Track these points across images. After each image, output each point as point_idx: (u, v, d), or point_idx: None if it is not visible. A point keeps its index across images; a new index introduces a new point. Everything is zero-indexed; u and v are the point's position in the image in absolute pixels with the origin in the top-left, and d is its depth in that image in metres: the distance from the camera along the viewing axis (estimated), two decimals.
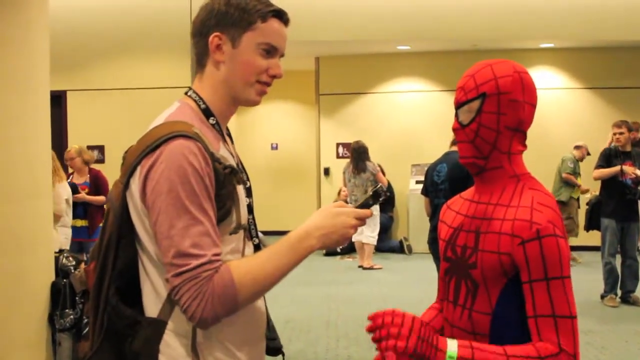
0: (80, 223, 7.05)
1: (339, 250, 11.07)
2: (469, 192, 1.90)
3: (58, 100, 9.31)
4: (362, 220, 1.63)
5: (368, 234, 9.62)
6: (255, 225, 1.73)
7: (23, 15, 3.99)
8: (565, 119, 11.35)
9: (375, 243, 9.94)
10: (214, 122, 1.67)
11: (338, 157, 12.05)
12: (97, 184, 7.22)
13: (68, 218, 6.71)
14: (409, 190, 11.26)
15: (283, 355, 1.86)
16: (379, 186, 1.72)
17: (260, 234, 1.79)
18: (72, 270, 4.13)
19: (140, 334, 1.56)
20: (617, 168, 7.15)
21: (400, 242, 11.36)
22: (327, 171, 12.18)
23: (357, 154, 9.53)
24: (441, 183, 5.30)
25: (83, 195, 7.09)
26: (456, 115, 1.80)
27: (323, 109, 12.12)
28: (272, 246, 1.57)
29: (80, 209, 7.00)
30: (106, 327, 1.61)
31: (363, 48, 11.36)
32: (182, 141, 1.50)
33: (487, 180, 1.78)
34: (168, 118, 1.60)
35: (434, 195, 5.42)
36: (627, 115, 9.31)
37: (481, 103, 1.72)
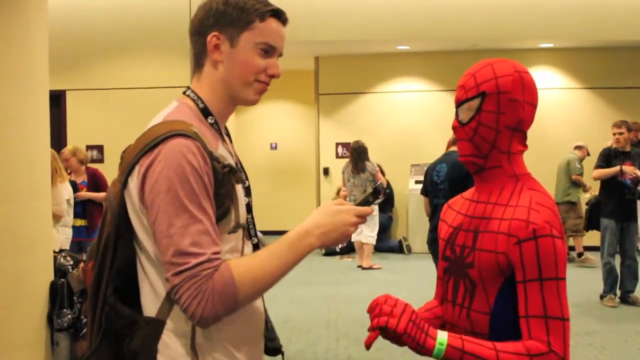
0: (79, 222, 7.03)
1: (338, 250, 11.08)
2: (469, 192, 1.90)
3: (57, 100, 9.31)
4: (362, 218, 1.62)
5: (367, 234, 9.61)
6: (254, 224, 1.73)
7: (22, 15, 3.99)
8: (564, 119, 11.35)
9: (374, 243, 9.94)
10: (213, 121, 1.67)
11: (337, 157, 12.04)
12: (96, 183, 7.21)
13: (69, 218, 6.70)
14: (409, 190, 11.26)
15: (282, 355, 1.86)
16: (378, 183, 1.72)
17: (259, 234, 1.79)
18: (70, 270, 4.12)
19: (138, 334, 1.56)
20: (616, 168, 7.14)
21: (400, 242, 11.36)
22: (326, 171, 12.18)
23: (357, 154, 9.53)
24: (441, 183, 5.30)
25: (84, 193, 7.07)
26: (456, 113, 1.80)
27: (322, 108, 12.12)
28: (272, 245, 1.56)
29: (79, 208, 6.98)
30: (104, 326, 1.61)
31: (363, 48, 11.36)
32: (180, 140, 1.49)
33: (486, 179, 1.78)
34: (166, 117, 1.60)
35: (433, 195, 5.42)
36: (626, 116, 9.31)
37: (481, 102, 1.72)
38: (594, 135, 10.64)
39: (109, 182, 1.71)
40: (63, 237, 6.55)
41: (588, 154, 9.82)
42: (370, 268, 9.79)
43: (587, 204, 8.05)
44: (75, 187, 6.94)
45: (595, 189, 8.14)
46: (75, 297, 3.98)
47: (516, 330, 1.64)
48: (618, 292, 7.42)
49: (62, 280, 4.09)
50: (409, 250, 11.14)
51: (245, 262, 1.54)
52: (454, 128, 1.80)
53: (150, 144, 1.51)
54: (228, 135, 1.78)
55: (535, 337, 1.59)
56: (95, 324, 1.63)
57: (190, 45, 1.70)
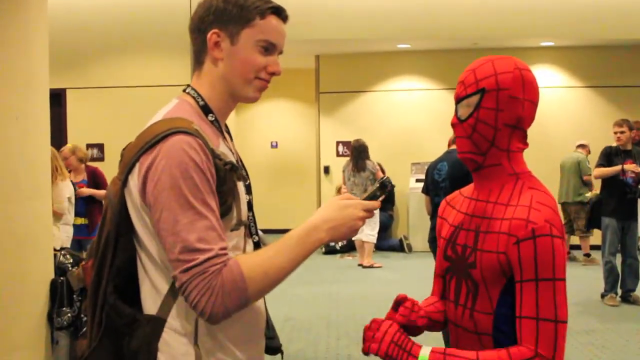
0: (80, 221, 7.01)
1: (338, 248, 11.08)
2: (468, 189, 1.88)
3: (57, 99, 9.29)
4: (370, 212, 1.62)
5: (368, 233, 9.60)
6: (255, 222, 1.73)
7: (22, 13, 3.98)
8: (565, 118, 11.34)
9: (375, 241, 9.93)
10: (213, 118, 1.66)
11: (338, 155, 12.04)
12: (95, 181, 7.20)
13: (70, 216, 6.69)
14: (409, 189, 11.25)
15: (282, 354, 1.85)
16: (385, 177, 1.72)
17: (259, 232, 1.78)
18: (70, 268, 4.12)
19: (138, 332, 1.55)
20: (618, 167, 7.13)
21: (400, 240, 11.35)
22: (327, 169, 12.17)
23: (357, 153, 9.53)
24: (442, 181, 5.29)
25: (85, 189, 7.06)
26: (456, 109, 1.78)
27: (323, 107, 12.11)
28: (280, 240, 1.55)
29: (79, 206, 6.96)
30: (104, 325, 1.60)
31: (363, 46, 11.35)
32: (182, 137, 1.48)
33: (485, 177, 1.76)
34: (166, 115, 1.59)
35: (434, 194, 5.41)
36: (627, 114, 9.29)
37: (480, 98, 1.70)
38: (594, 133, 10.63)
39: (109, 180, 1.70)
40: (64, 235, 6.54)
41: (589, 152, 9.81)
42: (370, 267, 9.78)
43: (587, 202, 8.04)
44: (73, 187, 6.93)
45: (596, 188, 8.13)
46: (75, 296, 3.98)
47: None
48: (619, 291, 7.41)
49: (62, 278, 4.08)
50: (410, 249, 11.13)
51: (254, 257, 1.54)
52: (453, 125, 1.78)
53: (150, 141, 1.50)
54: (228, 132, 1.77)
55: (525, 338, 1.58)
56: (95, 323, 1.62)
57: (191, 42, 1.69)
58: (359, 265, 9.94)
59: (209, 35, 1.62)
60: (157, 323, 1.55)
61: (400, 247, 11.27)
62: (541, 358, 1.56)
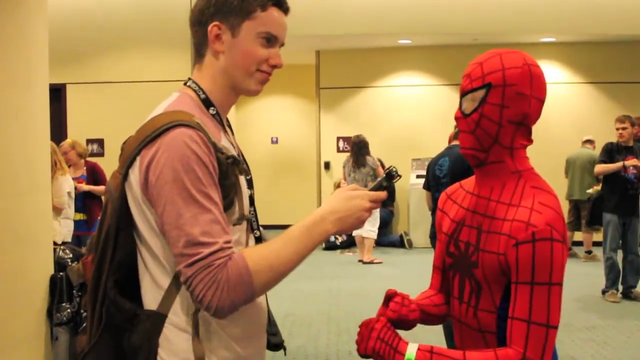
0: (79, 216, 7.00)
1: (338, 243, 11.08)
2: (469, 183, 1.85)
3: (57, 94, 9.27)
4: (377, 203, 1.61)
5: (368, 228, 9.60)
6: (256, 217, 1.71)
7: (22, 8, 3.96)
8: (566, 114, 11.32)
9: (375, 237, 9.93)
10: (214, 112, 1.64)
11: (338, 151, 12.03)
12: (95, 177, 7.19)
13: (70, 210, 6.68)
14: (410, 185, 11.24)
15: (285, 350, 1.84)
16: (391, 167, 1.69)
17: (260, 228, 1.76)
18: (69, 263, 4.10)
19: (139, 328, 1.54)
20: (619, 164, 7.11)
21: (401, 236, 11.36)
22: (327, 165, 12.16)
23: (358, 148, 9.52)
24: (443, 177, 5.27)
25: (83, 185, 7.05)
26: (460, 103, 1.74)
27: (323, 103, 12.10)
28: (286, 232, 1.53)
29: (78, 202, 6.95)
30: (104, 320, 1.58)
31: (364, 42, 11.33)
32: (183, 130, 1.47)
33: (487, 174, 1.73)
34: (167, 108, 1.57)
35: (435, 190, 5.39)
36: (628, 110, 9.26)
37: (485, 93, 1.66)
38: (595, 130, 10.61)
39: (108, 176, 1.68)
40: (65, 229, 6.54)
41: (594, 148, 9.78)
42: (371, 262, 9.78)
43: (589, 199, 8.02)
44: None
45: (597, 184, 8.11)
46: (74, 291, 3.96)
47: None
48: (620, 288, 7.40)
49: (61, 273, 4.07)
50: (410, 245, 11.13)
51: (259, 250, 1.52)
52: (456, 118, 1.74)
53: (151, 135, 1.48)
54: (230, 127, 1.76)
55: (514, 340, 1.56)
56: (95, 318, 1.61)
57: (191, 35, 1.67)
58: (359, 261, 9.93)
59: (209, 27, 1.61)
60: (158, 318, 1.54)
61: (400, 243, 11.28)
62: None
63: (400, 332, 1.69)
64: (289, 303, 7.16)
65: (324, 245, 10.83)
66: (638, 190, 7.13)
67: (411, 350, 1.60)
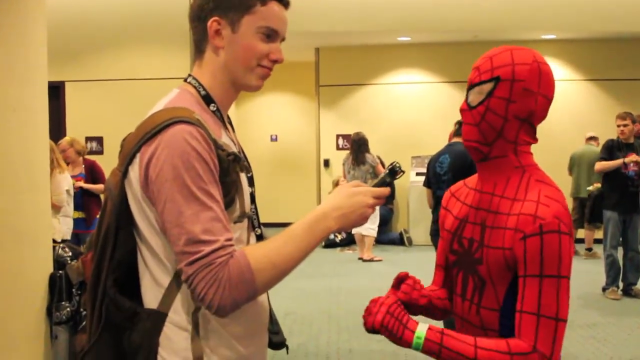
0: (77, 215, 6.97)
1: (337, 241, 11.07)
2: (472, 180, 1.84)
3: (56, 91, 9.26)
4: (380, 199, 1.58)
5: (368, 226, 9.59)
6: (257, 215, 1.70)
7: (21, 6, 3.94)
8: (567, 111, 11.30)
9: (375, 235, 9.92)
10: (215, 108, 1.62)
11: (338, 148, 12.02)
12: (93, 175, 7.17)
13: (69, 208, 6.67)
14: (409, 182, 11.23)
15: (287, 348, 1.82)
16: (395, 162, 1.67)
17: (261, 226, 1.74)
18: (69, 261, 4.09)
19: (139, 327, 1.52)
20: (619, 161, 7.09)
21: (400, 234, 11.35)
22: (327, 163, 12.15)
23: (357, 146, 9.51)
24: (444, 174, 5.26)
25: (81, 183, 7.03)
26: (467, 95, 1.73)
27: (323, 100, 12.08)
28: (288, 229, 1.51)
29: (76, 200, 6.93)
30: (104, 319, 1.57)
31: (363, 39, 11.32)
32: (183, 126, 1.45)
33: (490, 169, 1.71)
34: (167, 104, 1.55)
35: (436, 187, 5.38)
36: (629, 107, 9.23)
37: (493, 87, 1.65)
38: (595, 127, 10.60)
39: (107, 174, 1.66)
40: (65, 227, 6.52)
41: (598, 145, 9.75)
42: (371, 260, 9.77)
43: (589, 196, 8.00)
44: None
45: (598, 181, 8.09)
46: (74, 290, 3.95)
47: None
48: (620, 285, 7.40)
49: (61, 272, 4.05)
50: (410, 243, 11.13)
51: (260, 247, 1.50)
52: (461, 110, 1.73)
53: (151, 131, 1.46)
54: (230, 124, 1.74)
55: (524, 333, 1.54)
56: (95, 317, 1.59)
57: (190, 31, 1.66)
58: (359, 259, 9.93)
59: (209, 23, 1.59)
60: (158, 317, 1.52)
61: (400, 241, 11.27)
62: (539, 354, 1.53)
63: None
64: (289, 301, 7.15)
65: (323, 243, 10.82)
66: (639, 188, 7.12)
67: (421, 328, 1.58)
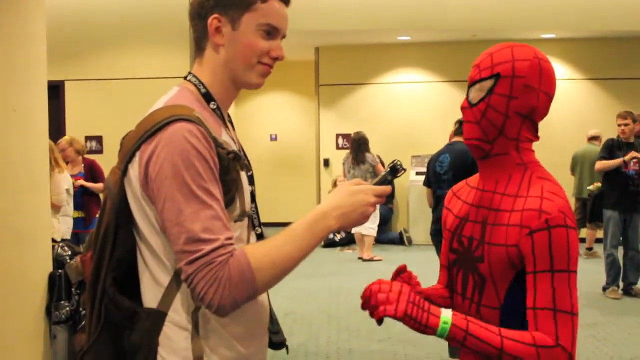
0: (76, 214, 6.97)
1: (337, 240, 11.07)
2: (474, 180, 1.84)
3: (56, 91, 9.25)
4: (381, 198, 1.57)
5: (368, 226, 9.57)
6: (258, 214, 1.69)
7: (21, 6, 3.94)
8: (567, 110, 11.29)
9: (375, 235, 9.91)
10: (215, 107, 1.61)
11: (338, 148, 12.01)
12: (93, 174, 7.17)
13: (69, 208, 6.66)
14: (409, 182, 11.22)
15: (287, 348, 1.81)
16: (396, 161, 1.66)
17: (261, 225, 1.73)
18: (68, 261, 4.08)
19: (139, 326, 1.51)
20: (619, 160, 7.09)
21: (401, 233, 11.34)
22: (327, 162, 12.14)
23: (357, 145, 9.51)
24: (444, 174, 5.25)
25: (81, 181, 7.02)
26: (468, 93, 1.72)
27: (323, 100, 12.08)
28: (288, 228, 1.50)
29: (76, 199, 6.92)
30: (104, 319, 1.56)
31: (363, 39, 11.31)
32: (183, 124, 1.44)
33: (492, 166, 1.70)
34: (167, 102, 1.54)
35: (436, 187, 5.38)
36: (629, 107, 9.23)
37: (494, 84, 1.65)
38: (595, 126, 10.56)
39: (107, 173, 1.66)
40: (65, 227, 6.52)
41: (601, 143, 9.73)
42: (371, 260, 9.76)
43: (589, 195, 7.99)
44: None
45: (598, 180, 8.07)
46: (73, 289, 3.94)
47: (527, 324, 1.59)
48: (621, 284, 7.40)
49: (60, 271, 4.05)
50: (410, 242, 11.12)
51: (261, 247, 1.49)
52: (462, 108, 1.72)
53: (151, 129, 1.45)
54: (231, 122, 1.73)
55: (542, 330, 1.52)
56: (95, 316, 1.58)
57: (191, 29, 1.65)
58: (359, 258, 9.92)
59: (209, 21, 1.58)
60: (158, 317, 1.51)
61: (400, 241, 11.26)
62: (562, 349, 1.51)
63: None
64: (289, 301, 7.14)
65: (323, 242, 10.80)
66: (639, 187, 7.11)
67: (447, 314, 1.54)
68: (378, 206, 7.14)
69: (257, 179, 1.76)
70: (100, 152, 9.45)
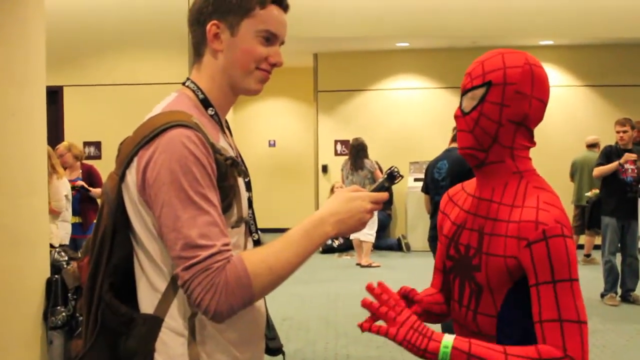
0: (74, 219, 6.97)
1: (335, 246, 11.06)
2: (470, 185, 1.83)
3: (55, 96, 9.25)
4: (378, 204, 1.57)
5: (366, 232, 9.56)
6: (254, 220, 1.68)
7: (19, 10, 3.94)
8: (564, 117, 11.31)
9: (373, 241, 9.91)
10: (213, 112, 1.61)
11: (336, 154, 12.01)
12: (91, 179, 7.17)
13: (68, 213, 6.67)
14: (407, 188, 11.22)
15: (283, 354, 1.81)
16: (393, 167, 1.66)
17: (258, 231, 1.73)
18: (65, 266, 4.08)
19: (135, 332, 1.51)
20: (615, 164, 7.08)
21: (398, 239, 11.34)
22: (325, 168, 12.14)
23: (356, 151, 9.51)
24: (442, 180, 5.25)
25: (79, 182, 7.02)
26: (460, 102, 1.72)
27: (321, 106, 12.09)
28: (285, 234, 1.50)
29: (73, 205, 6.92)
30: (100, 324, 1.55)
31: (362, 45, 11.32)
32: (181, 130, 1.44)
33: (487, 174, 1.70)
34: (165, 108, 1.55)
35: (434, 193, 5.37)
36: (626, 113, 9.24)
37: (485, 91, 1.64)
38: (593, 132, 10.56)
39: (105, 178, 1.65)
40: (63, 232, 6.52)
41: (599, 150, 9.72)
42: (369, 266, 9.75)
43: (587, 202, 7.99)
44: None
45: (596, 187, 8.07)
46: (69, 294, 3.93)
47: (525, 333, 1.59)
48: (619, 291, 7.39)
49: (57, 276, 4.05)
50: (408, 248, 11.12)
51: (258, 253, 1.49)
52: (456, 117, 1.72)
53: (149, 135, 1.45)
54: (228, 128, 1.73)
55: (550, 342, 1.51)
56: (91, 322, 1.58)
57: (189, 35, 1.65)
58: (357, 264, 9.91)
59: (208, 26, 1.58)
60: (154, 322, 1.51)
61: (398, 247, 11.26)
62: None
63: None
64: (286, 307, 7.13)
65: (321, 248, 10.78)
66: (637, 193, 7.12)
67: (448, 338, 1.54)
68: (376, 212, 7.17)
69: (255, 184, 1.76)
70: (98, 157, 9.44)
